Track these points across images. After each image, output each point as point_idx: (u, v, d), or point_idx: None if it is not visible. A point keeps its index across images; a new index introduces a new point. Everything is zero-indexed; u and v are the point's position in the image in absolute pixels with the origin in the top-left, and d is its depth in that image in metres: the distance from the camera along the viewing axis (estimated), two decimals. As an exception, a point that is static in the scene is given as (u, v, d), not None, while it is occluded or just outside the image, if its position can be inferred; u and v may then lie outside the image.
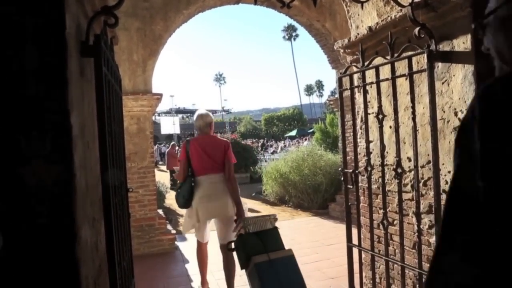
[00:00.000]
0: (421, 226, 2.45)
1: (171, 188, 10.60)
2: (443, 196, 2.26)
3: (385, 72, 2.64)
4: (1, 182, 1.31)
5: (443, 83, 2.39)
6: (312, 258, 4.87)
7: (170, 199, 8.43)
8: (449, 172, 2.36)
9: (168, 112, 44.57)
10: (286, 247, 3.09)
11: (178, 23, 5.65)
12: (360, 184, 3.01)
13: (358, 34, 3.06)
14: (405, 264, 2.52)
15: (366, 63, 2.69)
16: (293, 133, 41.21)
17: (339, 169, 3.60)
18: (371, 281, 2.97)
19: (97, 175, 1.76)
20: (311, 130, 29.56)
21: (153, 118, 11.60)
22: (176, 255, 5.45)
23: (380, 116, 2.58)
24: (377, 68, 2.61)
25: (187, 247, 5.55)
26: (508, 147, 0.60)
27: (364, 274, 3.07)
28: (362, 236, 3.00)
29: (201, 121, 3.68)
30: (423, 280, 2.46)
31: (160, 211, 6.33)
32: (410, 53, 2.39)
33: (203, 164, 3.54)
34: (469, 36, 2.18)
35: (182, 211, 6.46)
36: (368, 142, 2.88)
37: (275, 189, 9.16)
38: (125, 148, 2.70)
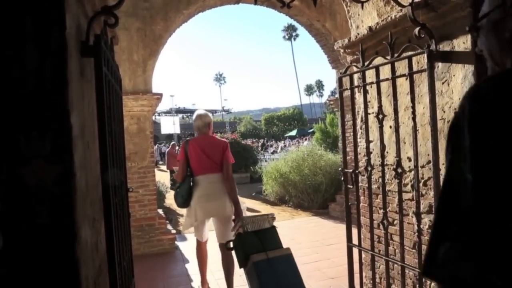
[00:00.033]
0: (421, 226, 2.45)
1: (171, 188, 10.58)
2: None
3: (385, 72, 2.64)
4: (1, 182, 1.31)
5: (443, 83, 2.39)
6: (312, 258, 4.87)
7: (170, 199, 8.41)
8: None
9: (168, 112, 44.54)
10: (286, 247, 3.09)
11: (178, 23, 5.66)
12: (360, 184, 3.01)
13: (358, 34, 3.06)
14: (405, 264, 2.52)
15: (366, 63, 2.69)
16: (293, 133, 41.20)
17: (339, 169, 3.60)
18: (371, 281, 2.97)
19: (97, 175, 1.76)
20: (311, 130, 29.56)
21: (153, 118, 11.60)
22: (176, 255, 5.45)
23: (380, 116, 2.58)
24: (377, 68, 2.61)
25: (187, 247, 5.55)
26: (493, 143, 0.66)
27: (364, 274, 3.07)
28: (362, 236, 3.00)
29: (199, 121, 3.71)
30: (423, 280, 2.47)
31: (160, 211, 6.33)
32: (410, 53, 2.39)
33: (202, 164, 3.56)
34: (469, 36, 2.18)
35: (182, 211, 6.47)
36: (368, 142, 2.88)
37: (275, 189, 9.17)
38: (125, 148, 2.70)
